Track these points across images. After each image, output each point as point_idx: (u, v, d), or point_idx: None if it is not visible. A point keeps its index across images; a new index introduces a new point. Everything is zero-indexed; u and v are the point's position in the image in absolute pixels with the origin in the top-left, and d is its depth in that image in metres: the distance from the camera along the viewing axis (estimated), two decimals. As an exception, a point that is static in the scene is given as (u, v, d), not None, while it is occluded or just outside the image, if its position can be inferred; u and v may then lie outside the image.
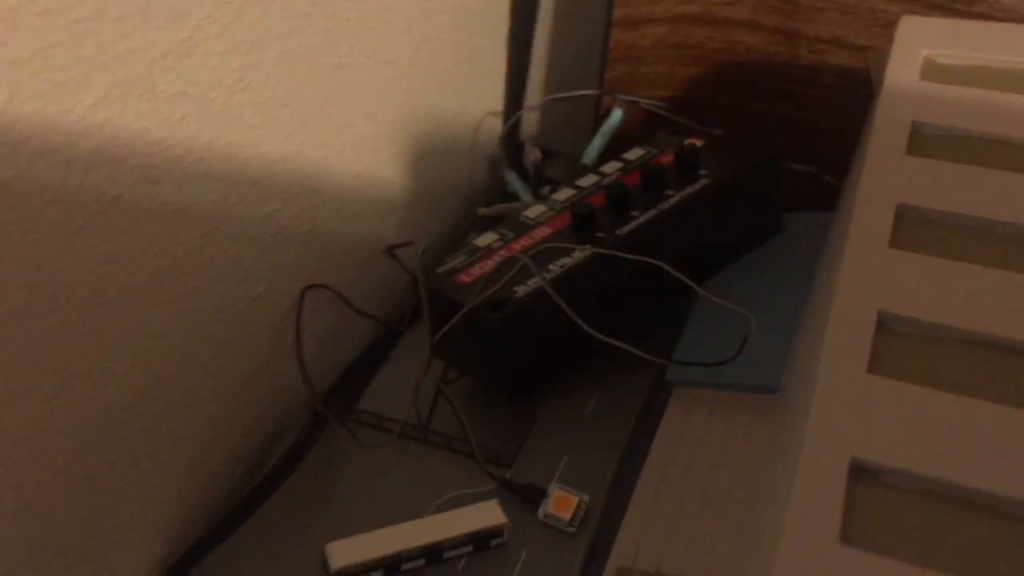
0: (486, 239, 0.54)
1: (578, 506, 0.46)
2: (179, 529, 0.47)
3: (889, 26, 0.58)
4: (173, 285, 0.42)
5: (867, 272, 0.37)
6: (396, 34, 0.54)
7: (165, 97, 0.38)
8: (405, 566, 0.44)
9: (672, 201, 0.52)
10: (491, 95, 0.68)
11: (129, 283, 0.39)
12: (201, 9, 0.39)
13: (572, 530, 0.46)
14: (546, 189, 0.68)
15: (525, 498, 0.47)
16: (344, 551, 0.44)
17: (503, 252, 0.52)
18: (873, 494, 0.30)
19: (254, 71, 0.43)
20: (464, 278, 0.51)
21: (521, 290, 0.48)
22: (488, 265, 0.51)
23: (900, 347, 0.34)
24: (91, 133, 0.35)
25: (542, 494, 0.47)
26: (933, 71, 0.47)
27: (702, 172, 0.54)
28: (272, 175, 0.46)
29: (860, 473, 0.30)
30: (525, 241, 0.52)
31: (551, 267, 0.49)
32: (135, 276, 0.39)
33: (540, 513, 0.46)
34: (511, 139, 0.71)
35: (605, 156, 0.64)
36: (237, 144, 0.43)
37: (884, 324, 0.35)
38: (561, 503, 0.46)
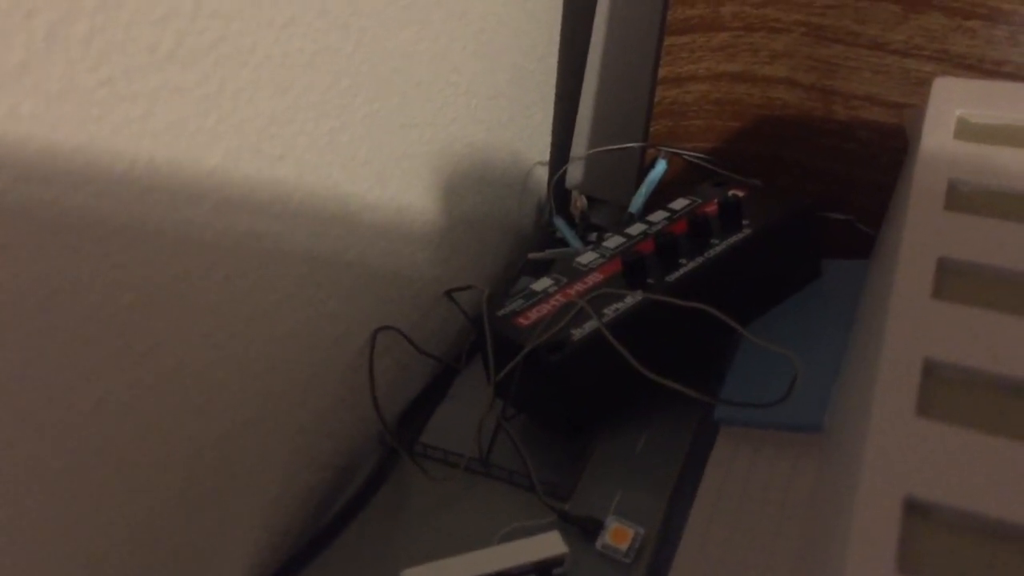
0: (542, 284, 0.56)
1: (634, 538, 0.49)
2: (262, 556, 0.50)
3: (921, 84, 0.61)
4: (269, 329, 0.45)
5: (912, 322, 0.39)
6: (459, 94, 0.58)
7: (269, 160, 0.42)
8: (474, 593, 0.47)
9: (718, 249, 0.54)
10: (540, 146, 0.72)
11: (233, 328, 0.43)
12: (302, 80, 0.43)
13: (628, 560, 0.48)
14: (593, 235, 0.71)
15: (583, 530, 0.49)
16: (418, 578, 0.46)
17: (559, 296, 0.55)
18: (927, 529, 0.32)
19: (341, 134, 0.47)
20: (523, 321, 0.53)
21: (578, 333, 0.51)
22: (545, 309, 0.54)
23: (946, 392, 0.37)
24: (210, 193, 0.39)
25: (599, 526, 0.49)
26: (967, 130, 0.50)
27: (745, 221, 0.56)
28: (353, 227, 0.50)
29: (914, 509, 0.33)
30: (579, 286, 0.55)
31: (605, 311, 0.51)
32: (238, 321, 0.43)
33: (598, 544, 0.49)
34: (558, 187, 0.74)
35: (649, 205, 0.68)
36: (324, 199, 0.47)
37: (930, 371, 0.37)
38: (618, 535, 0.49)
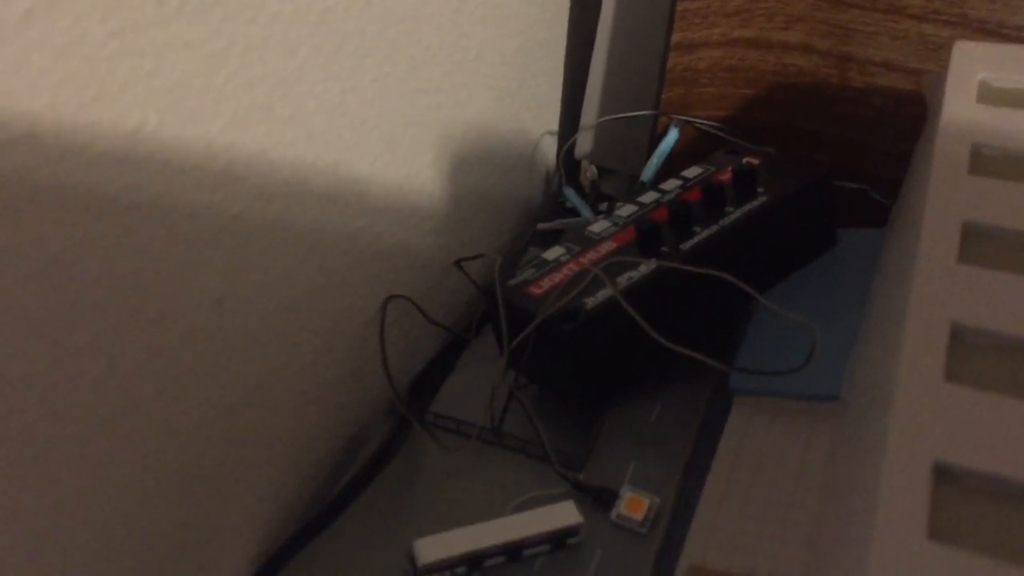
0: (554, 252, 0.56)
1: (649, 507, 0.48)
2: (272, 527, 0.49)
3: (939, 50, 0.60)
4: (278, 296, 0.44)
5: (938, 286, 0.39)
6: (468, 60, 0.57)
7: (279, 121, 0.41)
8: (487, 563, 0.46)
9: (732, 217, 0.54)
10: (549, 115, 0.71)
11: (243, 294, 0.42)
12: (312, 40, 0.42)
13: (644, 530, 0.48)
14: (603, 205, 0.70)
15: (597, 500, 0.49)
16: (431, 547, 0.46)
17: (572, 265, 0.54)
18: (956, 495, 0.32)
19: (351, 96, 0.46)
20: (535, 290, 0.53)
21: (591, 301, 0.50)
22: (557, 277, 0.53)
23: (974, 357, 0.36)
24: (219, 155, 0.38)
25: (614, 496, 0.49)
26: (989, 94, 0.49)
27: (760, 189, 0.56)
28: (362, 193, 0.49)
29: (943, 475, 0.32)
30: (592, 255, 0.54)
31: (619, 280, 0.51)
32: (247, 288, 0.42)
33: (613, 514, 0.48)
34: (567, 157, 0.73)
35: (661, 175, 0.67)
36: (334, 164, 0.46)
37: (957, 335, 0.37)
38: (633, 504, 0.48)
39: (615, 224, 0.57)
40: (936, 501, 0.31)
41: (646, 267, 0.51)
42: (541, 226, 0.68)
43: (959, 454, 0.32)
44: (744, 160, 0.59)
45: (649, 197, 0.58)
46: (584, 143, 0.72)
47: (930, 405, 0.34)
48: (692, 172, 0.60)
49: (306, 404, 0.50)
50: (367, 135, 0.48)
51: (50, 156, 0.31)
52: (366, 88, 0.47)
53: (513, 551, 0.47)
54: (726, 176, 0.58)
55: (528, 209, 0.71)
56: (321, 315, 0.49)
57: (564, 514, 0.47)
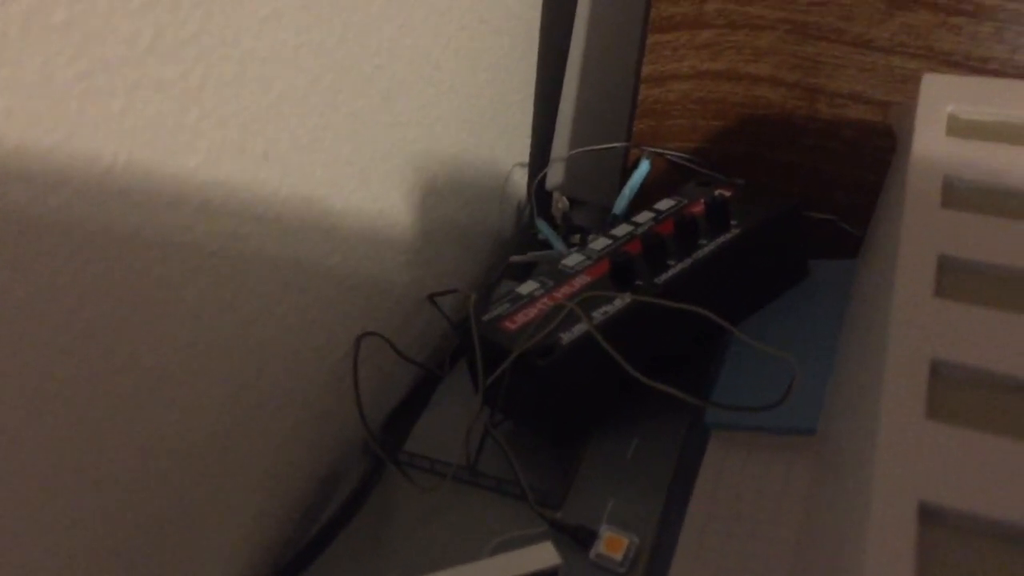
0: (528, 287, 0.55)
1: (628, 547, 0.47)
2: (245, 572, 0.48)
3: (906, 82, 0.61)
4: (252, 335, 0.43)
5: (916, 322, 0.39)
6: (442, 93, 0.57)
7: (252, 158, 0.40)
8: (466, 607, 0.45)
9: (706, 250, 0.54)
10: (520, 147, 0.71)
11: (216, 334, 0.41)
12: (285, 76, 0.41)
13: (623, 570, 0.47)
14: (576, 237, 0.70)
15: (575, 539, 0.48)
16: (408, 592, 0.45)
17: (546, 300, 0.53)
18: (942, 535, 0.32)
19: (325, 132, 0.45)
20: (510, 325, 0.52)
21: (567, 336, 0.50)
22: (532, 312, 0.53)
23: (955, 394, 0.36)
24: (193, 193, 0.37)
25: (592, 535, 0.48)
26: (959, 127, 0.50)
27: (733, 222, 0.56)
28: (335, 229, 0.48)
29: (929, 516, 0.32)
30: (566, 289, 0.54)
31: (594, 314, 0.50)
32: (222, 327, 0.41)
33: (592, 554, 0.47)
34: (539, 189, 0.73)
35: (632, 207, 0.67)
36: (308, 200, 0.45)
37: (937, 372, 0.37)
38: (612, 544, 0.48)
39: (589, 258, 0.56)
40: (922, 542, 0.31)
41: (621, 301, 0.51)
42: (514, 259, 0.68)
43: (944, 494, 0.32)
44: (716, 192, 0.59)
45: (622, 230, 0.58)
46: (555, 175, 0.72)
47: (913, 445, 0.34)
48: (664, 204, 0.60)
49: (279, 444, 0.49)
50: (341, 170, 0.48)
51: (19, 199, 0.30)
52: (340, 123, 0.47)
53: (492, 593, 0.46)
54: (698, 208, 0.58)
55: (500, 241, 0.71)
56: (295, 353, 0.48)
57: (543, 555, 0.47)
